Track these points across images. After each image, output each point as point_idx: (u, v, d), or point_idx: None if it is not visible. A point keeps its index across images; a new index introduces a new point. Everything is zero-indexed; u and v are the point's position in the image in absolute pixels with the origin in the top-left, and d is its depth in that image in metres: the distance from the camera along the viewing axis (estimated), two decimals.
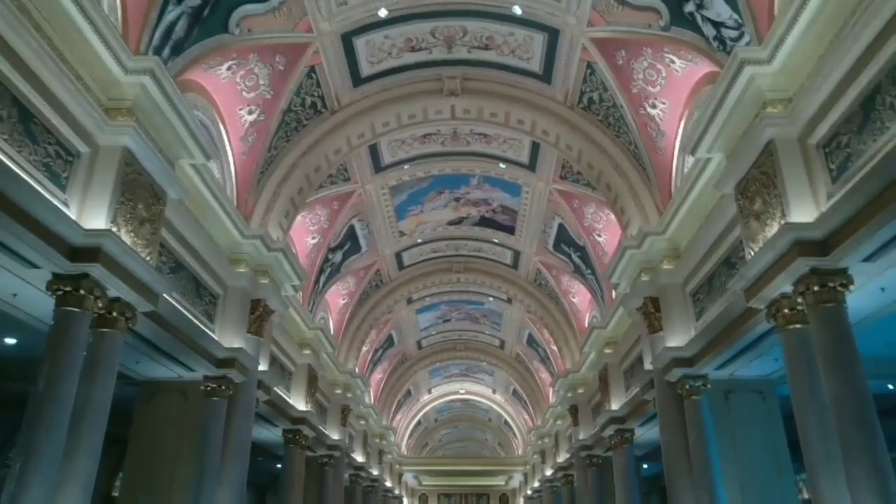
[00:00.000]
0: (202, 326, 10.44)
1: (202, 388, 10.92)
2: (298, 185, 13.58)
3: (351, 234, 18.27)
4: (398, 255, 21.41)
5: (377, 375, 29.07)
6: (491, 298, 25.44)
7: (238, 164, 12.17)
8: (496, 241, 20.87)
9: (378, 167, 16.42)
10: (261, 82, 11.67)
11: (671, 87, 11.09)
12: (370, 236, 19.13)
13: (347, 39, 12.27)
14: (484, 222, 19.97)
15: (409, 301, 25.03)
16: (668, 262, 11.66)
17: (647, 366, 12.56)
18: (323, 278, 18.16)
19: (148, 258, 8.05)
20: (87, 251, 6.97)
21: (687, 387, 10.86)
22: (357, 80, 13.36)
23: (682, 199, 10.55)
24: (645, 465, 20.82)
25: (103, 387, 7.36)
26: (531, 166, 16.35)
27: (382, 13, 11.87)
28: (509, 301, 24.80)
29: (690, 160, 11.22)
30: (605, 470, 19.66)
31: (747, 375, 10.98)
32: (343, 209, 16.90)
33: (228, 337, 11.25)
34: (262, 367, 12.51)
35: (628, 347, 15.53)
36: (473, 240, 21.29)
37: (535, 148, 15.61)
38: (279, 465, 16.52)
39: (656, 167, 12.29)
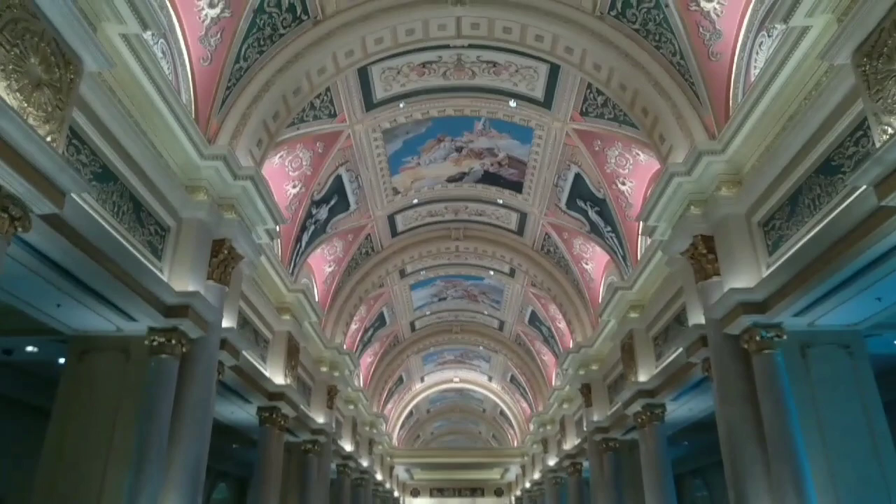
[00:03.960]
0: (144, 261, 8.12)
1: (147, 342, 8.62)
2: (274, 108, 11.26)
3: (338, 187, 15.97)
4: (391, 219, 19.13)
5: (367, 358, 26.80)
6: (492, 272, 23.27)
7: (197, 73, 9.84)
8: (500, 201, 18.65)
9: (370, 103, 14.13)
10: None
11: None
12: (360, 192, 16.83)
13: None
14: (488, 178, 17.73)
15: (403, 274, 22.82)
16: (728, 189, 9.48)
17: (697, 320, 10.40)
18: (306, 237, 15.85)
19: (49, 138, 5.74)
20: None
21: (757, 338, 8.69)
22: None
23: (753, 101, 8.36)
24: None
25: None
26: (546, 102, 14.12)
27: None
28: (511, 274, 22.62)
29: (758, 61, 9.09)
30: (622, 455, 17.62)
31: (830, 325, 8.84)
32: (329, 153, 14.58)
33: (181, 280, 8.93)
34: (228, 323, 10.20)
35: (660, 308, 13.35)
36: (475, 201, 19.04)
37: (552, 78, 13.38)
38: None
39: (708, 79, 10.09)
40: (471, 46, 12.86)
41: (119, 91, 7.51)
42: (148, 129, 8.23)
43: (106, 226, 7.25)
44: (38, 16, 5.65)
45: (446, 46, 12.80)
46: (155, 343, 8.61)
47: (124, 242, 7.63)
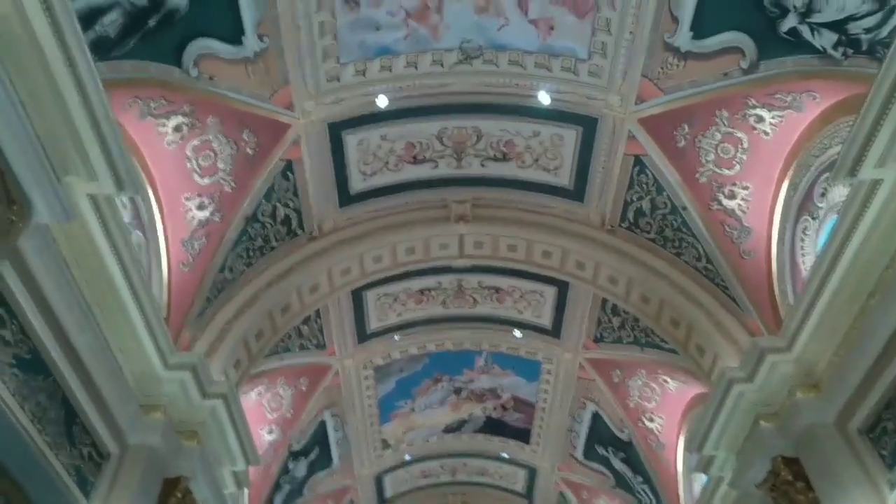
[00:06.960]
0: (66, 493, 5.89)
1: None
2: (258, 326, 9.88)
3: (320, 437, 13.81)
4: (378, 480, 16.49)
5: None
6: None
7: (174, 278, 8.65)
8: (505, 455, 16.37)
9: (363, 335, 12.84)
10: (220, 165, 8.82)
11: (760, 154, 8.61)
12: (345, 443, 14.59)
13: (336, 133, 9.79)
14: (490, 426, 15.73)
15: None
16: (803, 394, 7.89)
17: None
18: (279, 498, 13.18)
19: None
20: None
21: None
22: (345, 197, 10.62)
23: (818, 285, 7.27)
24: None
25: None
26: (555, 330, 12.97)
27: (382, 102, 9.60)
28: None
29: (805, 248, 8.31)
30: None
31: None
32: (313, 392, 12.77)
33: None
34: None
35: None
36: (476, 455, 16.72)
37: (560, 303, 12.43)
38: None
39: (744, 279, 9.19)
40: (474, 269, 12.12)
41: (75, 267, 6.16)
42: (103, 320, 6.69)
43: (20, 431, 5.27)
44: None
45: (448, 269, 12.03)
46: None
47: (41, 460, 5.54)
